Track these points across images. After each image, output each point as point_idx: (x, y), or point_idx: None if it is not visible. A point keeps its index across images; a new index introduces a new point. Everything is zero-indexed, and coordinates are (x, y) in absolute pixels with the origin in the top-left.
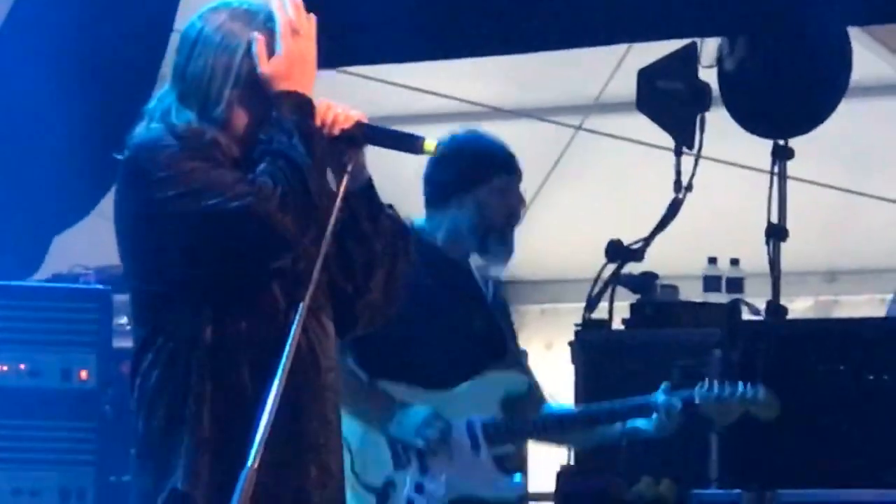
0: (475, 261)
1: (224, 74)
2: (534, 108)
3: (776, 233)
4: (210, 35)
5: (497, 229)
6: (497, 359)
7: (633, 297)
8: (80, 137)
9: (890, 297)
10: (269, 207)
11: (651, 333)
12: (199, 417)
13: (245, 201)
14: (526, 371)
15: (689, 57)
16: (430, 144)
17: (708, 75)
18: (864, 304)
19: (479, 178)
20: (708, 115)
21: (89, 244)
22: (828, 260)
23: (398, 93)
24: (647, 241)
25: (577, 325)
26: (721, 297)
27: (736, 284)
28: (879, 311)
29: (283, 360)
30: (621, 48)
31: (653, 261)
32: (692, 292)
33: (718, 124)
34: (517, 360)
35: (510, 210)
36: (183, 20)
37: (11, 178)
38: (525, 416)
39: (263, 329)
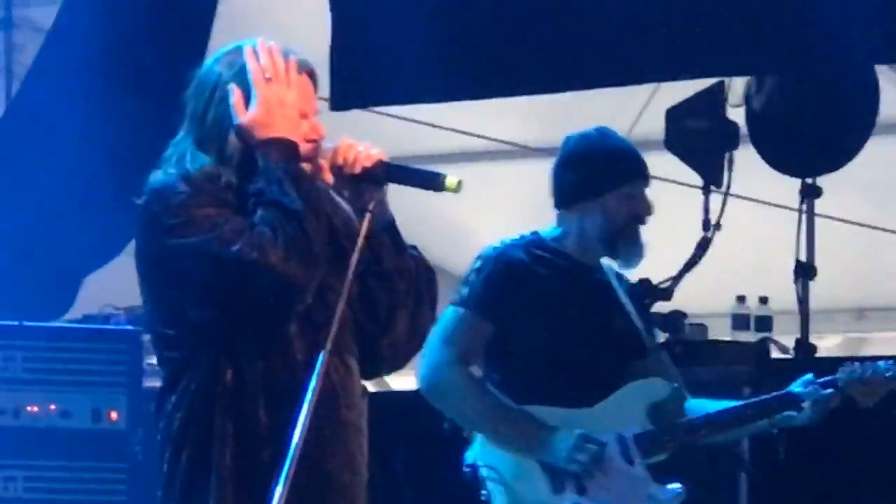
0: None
1: None
2: None
3: (804, 271)
4: (226, 77)
5: (625, 234)
6: (637, 359)
7: (662, 336)
8: (109, 179)
9: None
10: (271, 259)
11: (680, 372)
12: (223, 458)
13: (250, 256)
14: (667, 371)
15: (716, 96)
16: (452, 181)
17: (736, 114)
18: (893, 341)
19: (606, 185)
20: (736, 153)
21: (120, 284)
22: (856, 297)
23: (424, 132)
24: (676, 279)
25: None
26: (750, 336)
27: (765, 323)
28: None
29: (307, 401)
30: (649, 87)
31: (681, 299)
32: (721, 331)
33: (746, 163)
34: (658, 360)
35: (636, 214)
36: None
37: (42, 219)
38: (673, 421)
39: (280, 370)
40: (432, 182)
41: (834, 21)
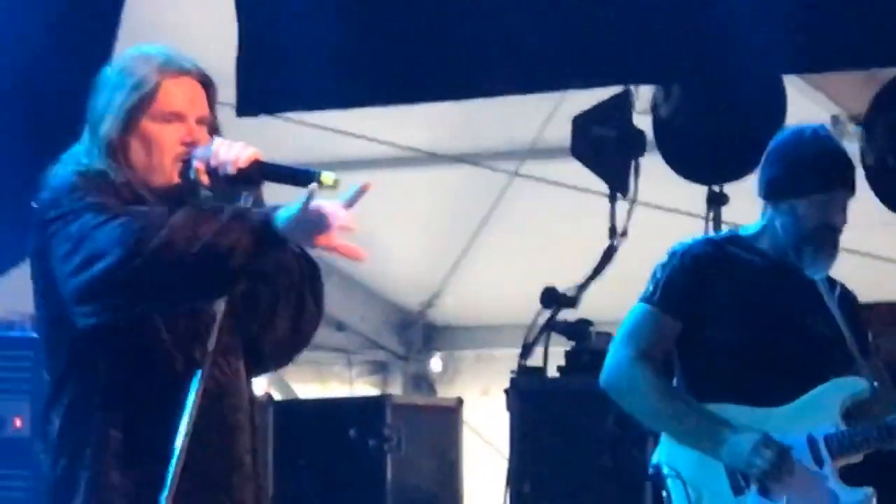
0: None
1: (117, 109)
2: (470, 154)
3: None
4: (110, 74)
5: (812, 239)
6: (841, 366)
7: (569, 344)
8: (10, 182)
9: None
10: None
11: (586, 381)
12: (103, 464)
13: (133, 243)
14: (872, 373)
15: (623, 103)
16: (328, 178)
17: (642, 121)
18: None
19: (797, 190)
20: (643, 161)
21: (23, 291)
22: None
23: (334, 138)
24: (582, 287)
25: (512, 372)
26: None
27: None
28: None
29: (189, 405)
30: (556, 94)
31: (588, 307)
32: None
33: (653, 170)
34: (862, 364)
35: (824, 222)
36: None
37: None
38: (870, 422)
39: (157, 375)
40: (308, 179)
41: (741, 30)
